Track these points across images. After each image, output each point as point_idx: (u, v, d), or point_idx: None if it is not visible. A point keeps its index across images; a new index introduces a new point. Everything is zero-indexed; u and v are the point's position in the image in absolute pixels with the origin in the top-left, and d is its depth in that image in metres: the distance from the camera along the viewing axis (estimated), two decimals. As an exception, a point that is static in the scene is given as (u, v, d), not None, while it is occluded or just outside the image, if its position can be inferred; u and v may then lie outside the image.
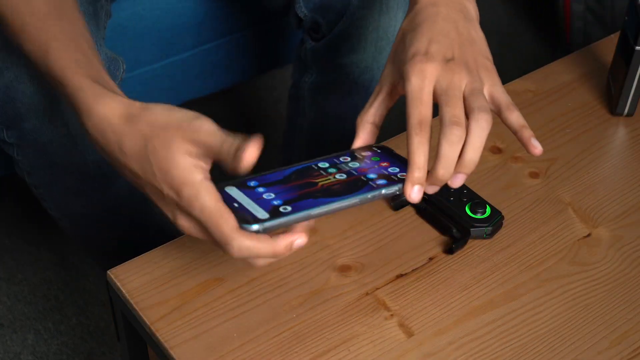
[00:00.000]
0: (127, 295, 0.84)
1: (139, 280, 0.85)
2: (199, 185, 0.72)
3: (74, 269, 1.50)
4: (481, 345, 0.82)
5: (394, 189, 0.77)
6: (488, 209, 0.91)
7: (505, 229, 0.92)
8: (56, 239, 1.53)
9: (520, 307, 0.85)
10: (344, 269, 0.88)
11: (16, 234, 1.54)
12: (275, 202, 0.74)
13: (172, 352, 0.80)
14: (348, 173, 0.79)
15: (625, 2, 1.73)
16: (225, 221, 0.71)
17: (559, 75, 1.09)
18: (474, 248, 0.90)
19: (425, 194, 0.78)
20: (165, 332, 0.82)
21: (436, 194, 0.83)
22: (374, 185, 0.77)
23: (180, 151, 0.73)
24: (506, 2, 2.01)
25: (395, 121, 1.75)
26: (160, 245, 0.89)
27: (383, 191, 0.77)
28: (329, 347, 0.82)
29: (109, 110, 0.76)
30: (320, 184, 0.78)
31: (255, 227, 0.71)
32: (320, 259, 0.88)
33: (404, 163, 0.80)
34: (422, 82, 0.78)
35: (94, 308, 1.45)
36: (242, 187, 0.76)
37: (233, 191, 0.76)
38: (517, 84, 1.07)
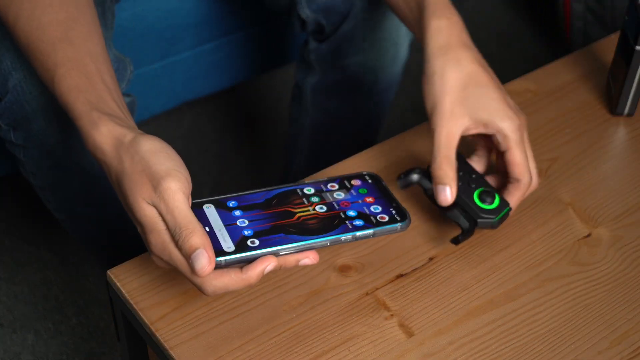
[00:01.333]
0: (127, 295, 0.84)
1: (139, 280, 0.85)
2: (164, 235, 0.74)
3: (74, 269, 1.50)
4: (481, 345, 0.82)
5: (368, 233, 0.78)
6: (497, 199, 0.87)
7: (506, 229, 0.92)
8: (56, 239, 1.53)
9: (520, 307, 0.85)
10: (344, 269, 0.88)
11: (16, 234, 1.54)
12: (245, 232, 0.75)
13: (172, 352, 0.80)
14: (329, 206, 0.79)
15: (625, 2, 1.73)
16: None
17: (559, 75, 1.09)
18: (474, 248, 0.90)
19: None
20: (165, 332, 0.82)
21: None
22: (349, 227, 0.78)
23: (146, 200, 0.75)
24: (506, 2, 2.01)
25: (397, 122, 1.75)
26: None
27: (357, 234, 0.78)
28: (329, 347, 0.82)
29: (102, 139, 0.78)
30: (297, 214, 0.78)
31: (218, 259, 0.73)
32: (320, 259, 0.88)
33: (388, 199, 0.81)
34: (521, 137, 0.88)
35: (94, 308, 1.45)
36: (221, 207, 0.78)
37: (210, 211, 0.77)
38: (517, 84, 1.07)
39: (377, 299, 0.85)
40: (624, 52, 1.01)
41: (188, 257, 0.72)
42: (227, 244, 0.74)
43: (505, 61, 1.86)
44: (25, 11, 0.85)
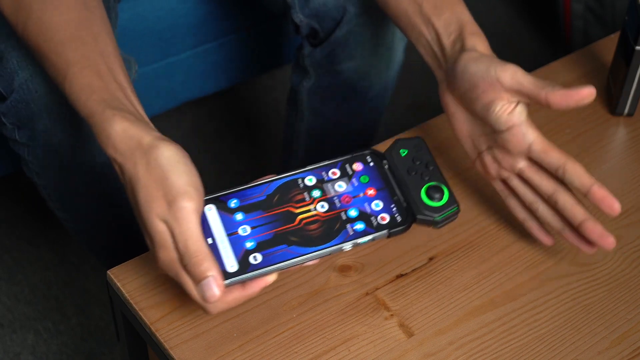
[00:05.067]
0: (127, 295, 0.84)
1: (139, 280, 0.85)
2: (173, 253, 0.75)
3: (74, 269, 1.50)
4: (481, 345, 0.82)
5: (368, 239, 0.78)
6: (446, 196, 0.81)
7: (506, 229, 0.92)
8: (56, 239, 1.53)
9: (520, 307, 0.85)
10: (344, 269, 0.88)
11: (16, 233, 1.54)
12: (247, 245, 0.76)
13: (172, 352, 0.80)
14: (330, 202, 0.79)
15: (626, 2, 1.73)
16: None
17: (559, 75, 1.09)
18: (474, 248, 0.90)
19: (388, 158, 0.83)
20: (165, 332, 0.82)
21: (400, 161, 0.82)
22: (350, 233, 0.78)
23: (159, 216, 0.75)
24: (506, 2, 2.01)
25: (396, 122, 1.74)
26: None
27: (358, 241, 0.78)
28: (329, 347, 0.82)
29: (117, 137, 0.77)
30: (298, 217, 0.78)
31: (225, 282, 0.74)
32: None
33: (390, 190, 0.81)
34: None
35: (94, 308, 1.45)
36: (222, 209, 0.78)
37: (211, 214, 0.78)
38: (517, 84, 1.07)
39: (377, 299, 0.85)
40: (624, 52, 1.01)
41: (197, 282, 0.74)
42: (230, 262, 0.75)
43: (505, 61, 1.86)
44: (35, 12, 0.85)
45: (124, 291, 0.85)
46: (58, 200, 1.17)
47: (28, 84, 1.00)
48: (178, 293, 0.85)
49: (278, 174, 0.81)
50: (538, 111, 1.05)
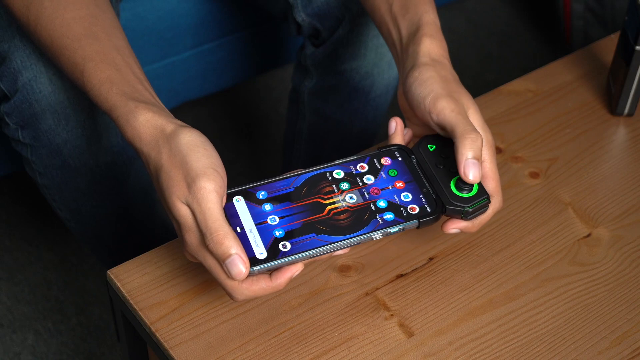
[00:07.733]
0: (127, 295, 0.84)
1: (139, 280, 0.85)
2: (197, 234, 0.75)
3: (74, 269, 1.50)
4: (481, 345, 0.82)
5: (397, 228, 0.78)
6: (475, 188, 0.81)
7: (505, 229, 0.92)
8: (56, 239, 1.53)
9: (520, 307, 0.85)
10: (344, 269, 0.88)
11: (16, 234, 1.54)
12: (277, 233, 0.76)
13: (172, 352, 0.80)
14: (359, 194, 0.79)
15: (625, 2, 1.73)
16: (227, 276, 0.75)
17: (559, 75, 1.09)
18: (474, 248, 0.90)
19: (416, 152, 0.83)
20: (165, 332, 0.82)
21: (428, 155, 0.82)
22: (380, 222, 0.78)
23: (180, 199, 0.75)
24: (506, 2, 2.01)
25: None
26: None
27: (389, 230, 0.78)
28: (329, 347, 0.82)
29: (141, 128, 0.78)
30: (327, 208, 0.78)
31: (252, 268, 0.74)
32: (321, 259, 0.88)
33: (418, 182, 0.81)
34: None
35: (94, 308, 1.45)
36: (250, 200, 0.78)
37: (240, 205, 0.77)
38: (517, 84, 1.07)
39: (377, 299, 0.86)
40: (624, 52, 1.01)
41: (222, 261, 0.73)
42: (259, 249, 0.75)
43: (505, 61, 1.86)
44: (47, 9, 0.86)
45: (124, 291, 0.85)
46: (60, 201, 1.17)
47: (32, 84, 1.00)
48: (178, 293, 0.85)
49: (304, 169, 0.81)
50: (538, 111, 1.05)
